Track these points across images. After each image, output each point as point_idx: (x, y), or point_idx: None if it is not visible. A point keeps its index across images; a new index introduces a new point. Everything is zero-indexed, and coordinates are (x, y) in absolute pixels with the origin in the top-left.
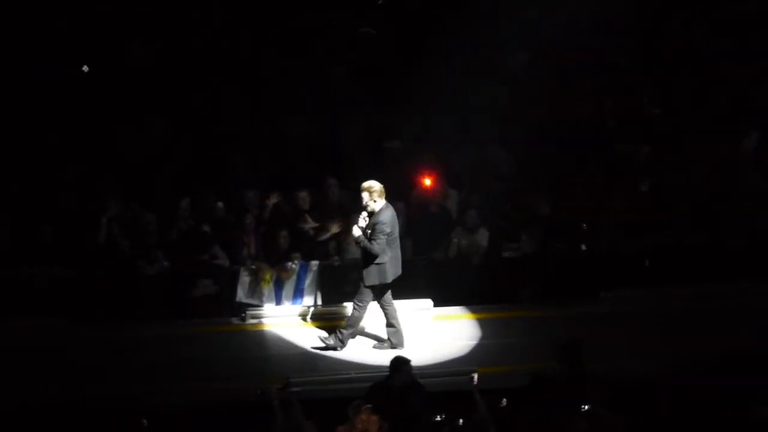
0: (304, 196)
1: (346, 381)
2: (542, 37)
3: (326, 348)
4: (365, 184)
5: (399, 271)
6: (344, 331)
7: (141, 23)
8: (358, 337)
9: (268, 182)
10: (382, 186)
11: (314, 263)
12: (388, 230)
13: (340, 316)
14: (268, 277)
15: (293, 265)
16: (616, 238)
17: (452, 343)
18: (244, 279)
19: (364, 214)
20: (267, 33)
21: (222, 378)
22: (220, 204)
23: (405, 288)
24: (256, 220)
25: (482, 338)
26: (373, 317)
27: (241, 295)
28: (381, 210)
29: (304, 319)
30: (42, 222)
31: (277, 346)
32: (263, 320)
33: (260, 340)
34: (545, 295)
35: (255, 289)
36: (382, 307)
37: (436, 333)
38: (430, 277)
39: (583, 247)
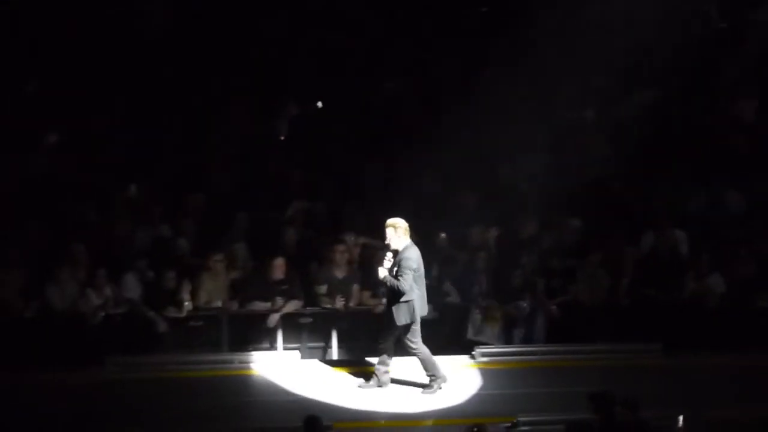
0: (530, 230)
1: None
2: None
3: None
4: (390, 221)
5: (426, 310)
6: (431, 375)
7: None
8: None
9: (493, 219)
10: (407, 224)
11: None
12: (414, 266)
13: (570, 355)
14: (498, 315)
15: (525, 305)
16: None
17: (662, 386)
18: (475, 317)
19: (389, 254)
20: None
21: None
22: (443, 235)
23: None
24: (487, 257)
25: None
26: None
27: (471, 333)
28: (406, 248)
29: (535, 359)
30: (272, 256)
31: (504, 384)
32: (493, 359)
33: (489, 379)
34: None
35: (484, 328)
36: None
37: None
38: (660, 321)
39: None
